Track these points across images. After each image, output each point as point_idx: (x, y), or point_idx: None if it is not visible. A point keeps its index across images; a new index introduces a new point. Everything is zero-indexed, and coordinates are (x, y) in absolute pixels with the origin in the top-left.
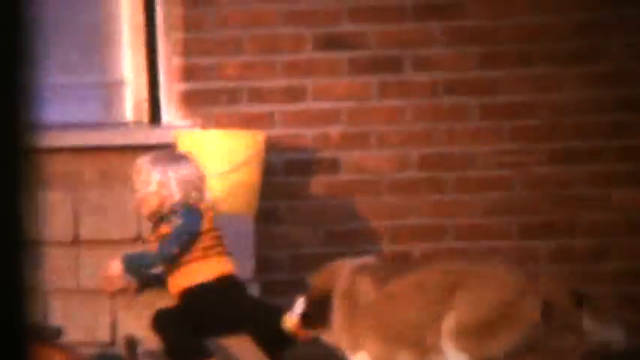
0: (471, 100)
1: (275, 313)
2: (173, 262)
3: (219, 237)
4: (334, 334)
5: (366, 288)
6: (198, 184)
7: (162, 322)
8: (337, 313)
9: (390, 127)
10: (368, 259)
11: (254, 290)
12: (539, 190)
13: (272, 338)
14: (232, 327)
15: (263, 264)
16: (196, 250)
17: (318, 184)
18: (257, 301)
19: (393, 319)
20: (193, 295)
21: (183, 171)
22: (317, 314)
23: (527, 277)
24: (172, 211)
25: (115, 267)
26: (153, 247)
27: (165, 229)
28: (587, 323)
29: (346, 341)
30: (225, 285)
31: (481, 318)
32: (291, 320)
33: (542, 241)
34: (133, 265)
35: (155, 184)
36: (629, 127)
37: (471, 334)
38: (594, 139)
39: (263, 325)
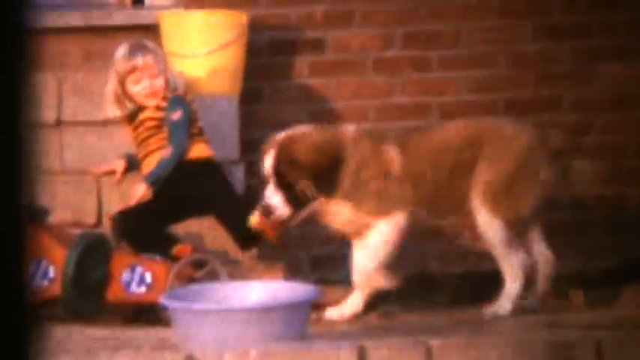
0: None
1: (243, 203)
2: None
3: (198, 123)
4: (342, 203)
5: (392, 155)
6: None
7: (123, 221)
8: (358, 181)
9: (375, 6)
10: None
11: (239, 171)
12: (525, 66)
13: (237, 229)
14: (200, 208)
15: (248, 145)
16: None
17: (303, 63)
18: (229, 189)
19: (424, 181)
20: (172, 178)
21: (164, 55)
22: (326, 177)
23: (533, 131)
24: (168, 99)
25: (141, 189)
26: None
27: (149, 114)
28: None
29: (374, 207)
30: (200, 167)
31: (507, 176)
32: (254, 218)
33: (527, 117)
34: (160, 179)
35: (163, 69)
36: (615, 1)
37: (499, 194)
38: (579, 14)
39: (229, 212)
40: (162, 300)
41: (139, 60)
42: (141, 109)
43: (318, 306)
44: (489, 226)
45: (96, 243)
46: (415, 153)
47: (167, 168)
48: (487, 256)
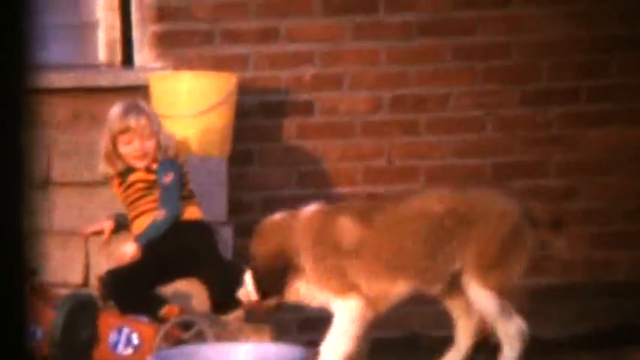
0: (445, 42)
1: (231, 271)
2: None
3: (188, 186)
4: (305, 288)
5: (346, 227)
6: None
7: (112, 281)
8: (311, 263)
9: (364, 69)
10: (311, 207)
11: (227, 232)
12: (512, 130)
13: (215, 291)
14: (186, 270)
15: (236, 206)
16: None
17: (292, 125)
18: (215, 252)
19: (391, 252)
20: (161, 240)
21: (157, 116)
22: (273, 280)
23: (519, 202)
24: (160, 162)
25: (131, 248)
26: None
27: (139, 176)
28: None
29: (332, 288)
30: (190, 229)
31: (497, 249)
32: (245, 296)
33: (514, 182)
34: (150, 239)
35: (156, 132)
36: (602, 67)
37: (491, 268)
38: (567, 80)
39: (211, 274)
40: None
41: (132, 121)
42: (131, 170)
43: None
44: (481, 297)
45: (83, 304)
46: (378, 224)
47: (159, 230)
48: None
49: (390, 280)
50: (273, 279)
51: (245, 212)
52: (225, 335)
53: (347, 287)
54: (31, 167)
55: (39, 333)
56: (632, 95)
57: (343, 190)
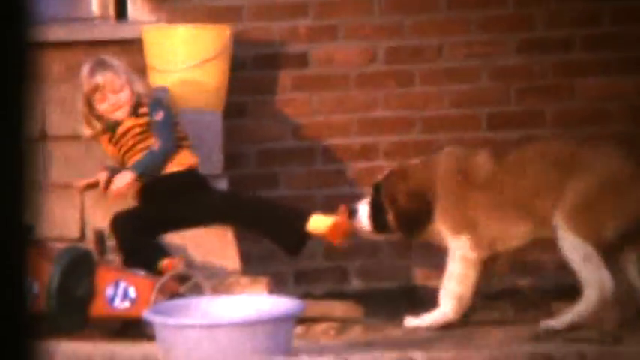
0: None
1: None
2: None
3: (181, 130)
4: (435, 228)
5: (484, 161)
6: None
7: (118, 224)
8: (446, 196)
9: (358, 20)
10: (445, 150)
11: (223, 185)
12: (508, 80)
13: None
14: (201, 218)
15: (231, 159)
16: None
17: (287, 77)
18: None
19: (512, 190)
20: (158, 187)
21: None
22: (413, 221)
23: (636, 161)
24: (148, 104)
25: (127, 177)
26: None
27: (130, 124)
28: None
29: (450, 222)
30: (190, 177)
31: (593, 196)
32: (360, 225)
33: (510, 132)
34: (148, 171)
35: (126, 82)
36: (597, 16)
37: (582, 213)
38: (562, 29)
39: (271, 224)
40: (146, 315)
41: (99, 78)
42: (117, 123)
43: (302, 320)
44: (567, 242)
45: (80, 258)
46: (507, 164)
47: (155, 161)
48: None
49: (511, 220)
50: (414, 220)
51: (240, 165)
52: (222, 288)
53: (463, 226)
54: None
55: (36, 287)
56: (625, 44)
57: (338, 142)
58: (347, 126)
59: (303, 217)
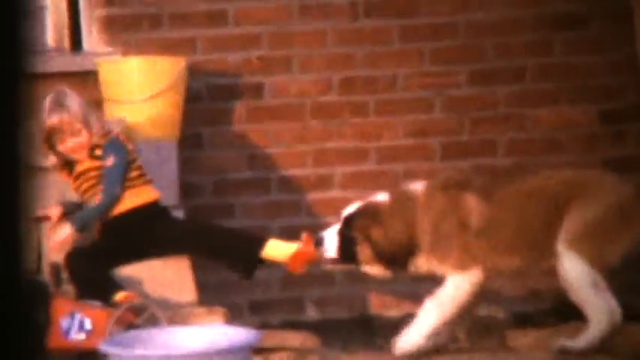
0: (391, 23)
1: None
2: (118, 198)
3: (141, 166)
4: (423, 261)
5: (471, 205)
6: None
7: (71, 260)
8: (435, 236)
9: (312, 51)
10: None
11: (179, 215)
12: (461, 110)
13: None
14: (160, 249)
15: (187, 189)
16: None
17: (241, 108)
18: (187, 222)
19: (511, 229)
20: (120, 222)
21: (83, 106)
22: (397, 257)
23: (634, 185)
24: (102, 148)
25: (65, 232)
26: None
27: (87, 165)
28: None
29: (455, 261)
30: (152, 210)
31: (598, 222)
32: (326, 253)
33: (463, 162)
34: (85, 224)
35: (83, 125)
36: (548, 46)
37: (587, 238)
38: (513, 59)
39: (225, 248)
40: (103, 346)
41: (55, 119)
42: (77, 160)
43: (258, 350)
44: (574, 267)
45: (35, 289)
46: (501, 203)
47: (93, 214)
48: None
49: (506, 255)
50: (398, 256)
51: (196, 195)
52: (178, 319)
53: (470, 261)
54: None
55: None
56: (575, 74)
57: (294, 172)
58: (302, 156)
59: (259, 243)
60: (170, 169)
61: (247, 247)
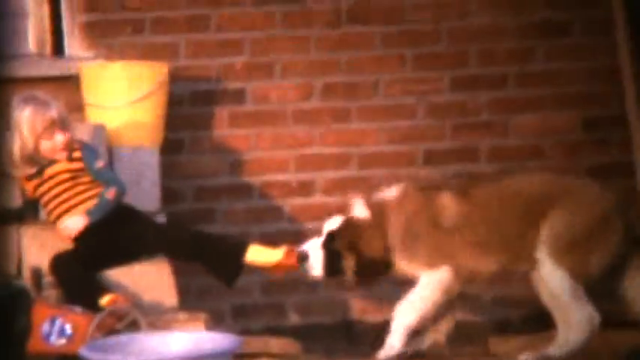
0: (373, 29)
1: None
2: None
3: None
4: (399, 257)
5: (445, 202)
6: None
7: (58, 265)
8: (406, 235)
9: (294, 57)
10: (401, 186)
11: (160, 221)
12: (443, 117)
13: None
14: (141, 251)
15: (168, 195)
16: (98, 187)
17: (223, 114)
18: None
19: (485, 228)
20: (98, 225)
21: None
22: (375, 268)
23: (614, 194)
24: (81, 151)
25: (80, 222)
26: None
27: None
28: None
29: (424, 259)
30: (125, 209)
31: (580, 232)
32: (311, 270)
33: (446, 167)
34: (99, 216)
35: (66, 123)
36: (529, 54)
37: (569, 249)
38: (495, 66)
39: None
40: (83, 351)
41: (54, 113)
42: (49, 164)
43: (240, 356)
44: (554, 276)
45: (16, 294)
46: (476, 201)
47: (109, 207)
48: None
49: (481, 256)
50: (378, 270)
51: (177, 201)
52: (160, 324)
53: (439, 259)
54: None
55: None
56: (558, 81)
57: (275, 178)
58: (284, 162)
59: (241, 248)
60: (152, 174)
61: (230, 252)
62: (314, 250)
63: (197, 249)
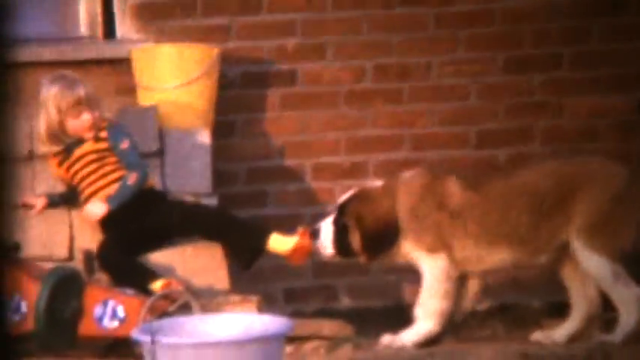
0: (426, 10)
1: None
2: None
3: None
4: (405, 247)
5: (452, 189)
6: None
7: (100, 253)
8: (418, 219)
9: (346, 39)
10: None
11: (212, 203)
12: (496, 98)
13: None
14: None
15: (220, 177)
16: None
17: (275, 96)
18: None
19: (497, 221)
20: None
21: None
22: (381, 243)
23: (627, 167)
24: (108, 130)
25: (100, 208)
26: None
27: (89, 148)
28: None
29: (425, 243)
30: (153, 194)
31: (606, 215)
32: (322, 248)
33: (499, 149)
34: (122, 202)
35: (94, 100)
36: (584, 34)
37: (601, 232)
38: (549, 46)
39: (231, 236)
40: (135, 334)
41: (81, 91)
42: (76, 143)
43: (291, 339)
44: (593, 263)
45: (68, 277)
46: (487, 192)
47: (130, 193)
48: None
49: (487, 246)
50: (381, 241)
51: (229, 183)
52: (212, 307)
53: (439, 245)
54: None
55: (24, 307)
56: (613, 61)
57: (327, 160)
58: (336, 144)
59: (262, 234)
60: (203, 157)
61: (250, 238)
62: (325, 225)
63: (221, 229)
